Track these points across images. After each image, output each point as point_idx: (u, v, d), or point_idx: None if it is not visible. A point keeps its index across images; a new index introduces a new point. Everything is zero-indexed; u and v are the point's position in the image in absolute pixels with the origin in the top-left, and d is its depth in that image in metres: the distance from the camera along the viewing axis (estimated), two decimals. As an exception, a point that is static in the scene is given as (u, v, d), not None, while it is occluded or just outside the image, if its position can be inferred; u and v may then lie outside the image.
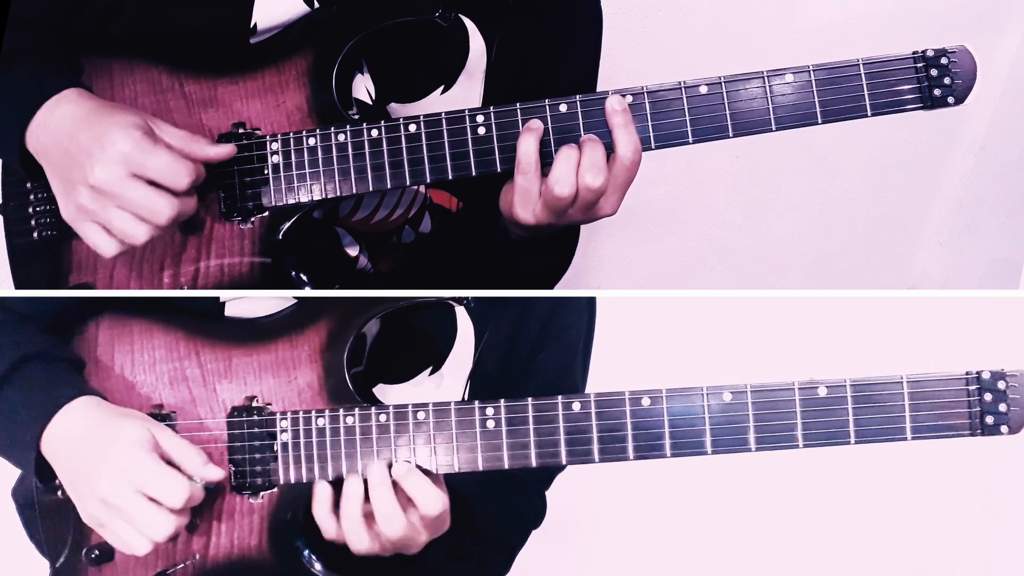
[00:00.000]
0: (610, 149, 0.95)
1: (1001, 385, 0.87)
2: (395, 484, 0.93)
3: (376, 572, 0.98)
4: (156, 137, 0.92)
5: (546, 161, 0.96)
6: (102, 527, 0.93)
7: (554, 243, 1.13)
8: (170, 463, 0.93)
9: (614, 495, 1.81)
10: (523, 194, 0.97)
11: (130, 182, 0.90)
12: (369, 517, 0.93)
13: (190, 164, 0.92)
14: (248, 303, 1.02)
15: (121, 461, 0.91)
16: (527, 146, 0.95)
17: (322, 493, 0.95)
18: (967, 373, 0.88)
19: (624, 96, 0.96)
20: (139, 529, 0.91)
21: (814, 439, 0.89)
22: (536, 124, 0.96)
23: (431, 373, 1.05)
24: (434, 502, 0.92)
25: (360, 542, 0.93)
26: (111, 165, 0.89)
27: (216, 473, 0.95)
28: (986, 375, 0.88)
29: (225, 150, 0.97)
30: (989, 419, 0.87)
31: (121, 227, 0.91)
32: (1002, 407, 0.87)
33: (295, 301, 1.01)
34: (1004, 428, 0.87)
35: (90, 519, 0.94)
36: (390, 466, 0.94)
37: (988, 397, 0.87)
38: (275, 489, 0.98)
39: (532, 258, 1.11)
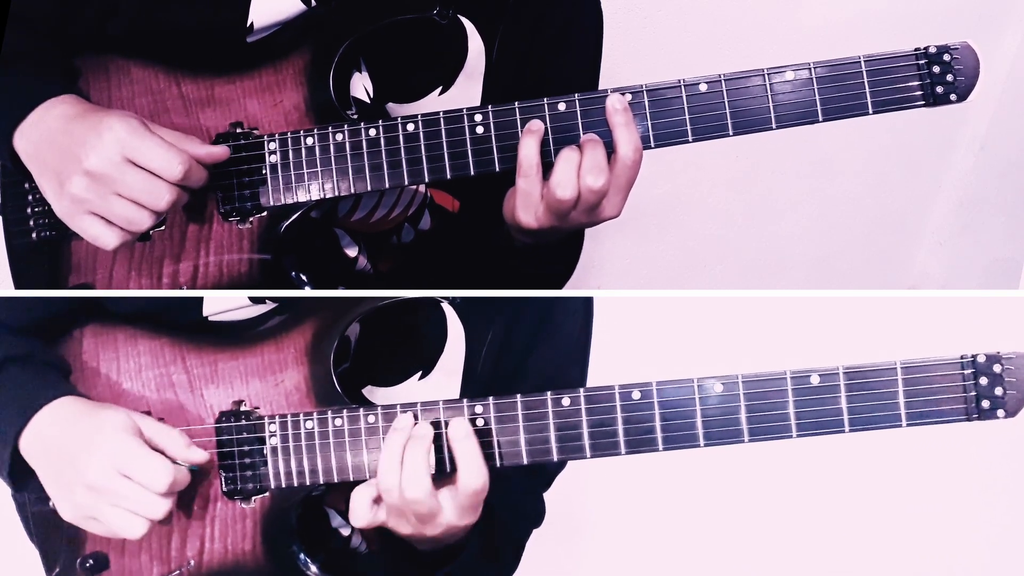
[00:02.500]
0: (610, 149, 0.95)
1: (997, 368, 0.86)
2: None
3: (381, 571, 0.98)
4: (150, 128, 0.93)
5: (546, 161, 0.95)
6: (91, 520, 0.93)
7: (558, 250, 1.12)
8: (156, 449, 0.94)
9: (613, 494, 1.81)
10: (525, 197, 0.96)
11: (126, 167, 0.90)
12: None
13: (184, 154, 0.92)
14: (232, 305, 1.01)
15: (106, 446, 0.92)
16: (528, 148, 0.94)
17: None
18: (962, 357, 0.87)
19: (624, 94, 0.95)
20: (131, 510, 0.91)
21: (808, 428, 0.87)
22: (537, 125, 0.95)
23: (420, 378, 1.05)
24: (476, 476, 0.90)
25: (390, 475, 0.91)
26: (107, 149, 0.90)
27: (200, 455, 0.96)
28: (981, 358, 0.86)
29: (217, 151, 0.97)
30: (985, 403, 0.86)
31: (122, 213, 0.91)
32: (998, 390, 0.86)
33: (279, 303, 1.01)
34: (1000, 412, 0.86)
35: (77, 512, 0.93)
36: (438, 424, 0.93)
37: (984, 381, 0.86)
38: (267, 493, 0.98)
39: (536, 266, 1.10)
